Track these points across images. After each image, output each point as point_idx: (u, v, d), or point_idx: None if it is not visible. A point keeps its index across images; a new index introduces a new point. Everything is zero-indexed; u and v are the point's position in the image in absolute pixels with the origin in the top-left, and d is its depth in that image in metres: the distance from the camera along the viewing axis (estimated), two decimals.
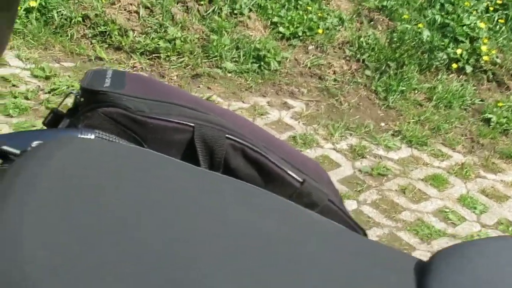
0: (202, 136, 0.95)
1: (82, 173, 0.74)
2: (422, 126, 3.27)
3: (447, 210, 2.69)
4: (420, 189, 2.80)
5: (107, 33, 3.42)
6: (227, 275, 0.63)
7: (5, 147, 0.82)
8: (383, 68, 3.57)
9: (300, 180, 0.98)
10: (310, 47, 3.75)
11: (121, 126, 0.94)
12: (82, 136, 0.89)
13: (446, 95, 3.48)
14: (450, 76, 3.70)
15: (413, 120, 3.28)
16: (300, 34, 3.76)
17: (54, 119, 1.00)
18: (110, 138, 0.91)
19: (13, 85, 2.89)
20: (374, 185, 2.77)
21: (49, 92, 2.89)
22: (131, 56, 3.38)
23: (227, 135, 0.96)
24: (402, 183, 2.81)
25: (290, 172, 0.98)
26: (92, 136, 0.89)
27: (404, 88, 3.46)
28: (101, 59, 3.31)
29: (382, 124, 3.25)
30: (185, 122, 0.95)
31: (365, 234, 1.04)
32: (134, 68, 3.33)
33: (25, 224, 0.59)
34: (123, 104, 0.93)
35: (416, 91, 3.53)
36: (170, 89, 1.04)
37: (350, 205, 2.60)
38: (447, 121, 3.32)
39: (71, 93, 1.01)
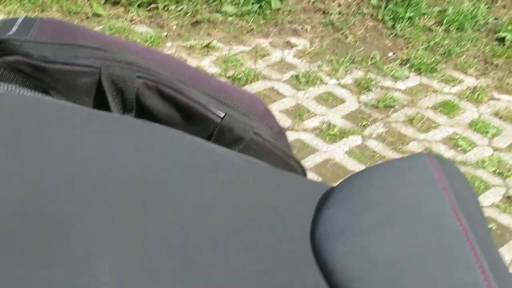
0: (110, 77, 0.89)
1: None
2: (432, 52, 3.14)
3: (457, 137, 2.59)
4: (429, 117, 2.70)
5: None
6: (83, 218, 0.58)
7: None
8: None
9: (221, 115, 0.92)
10: None
11: (24, 75, 0.88)
12: None
13: (457, 17, 3.32)
14: None
15: (422, 47, 3.15)
16: None
17: None
18: (8, 89, 0.86)
19: None
20: (380, 118, 2.68)
21: None
22: (129, 10, 3.31)
23: (138, 74, 0.90)
24: (410, 113, 2.72)
25: (210, 107, 0.92)
26: None
27: (412, 14, 3.32)
28: (98, 15, 3.26)
29: (390, 54, 3.13)
30: (90, 64, 0.90)
31: (302, 168, 0.97)
32: (132, 22, 3.27)
33: None
34: (24, 51, 0.88)
35: (425, 16, 3.38)
36: (84, 32, 0.98)
37: (354, 141, 2.52)
38: (459, 45, 3.18)
39: None
